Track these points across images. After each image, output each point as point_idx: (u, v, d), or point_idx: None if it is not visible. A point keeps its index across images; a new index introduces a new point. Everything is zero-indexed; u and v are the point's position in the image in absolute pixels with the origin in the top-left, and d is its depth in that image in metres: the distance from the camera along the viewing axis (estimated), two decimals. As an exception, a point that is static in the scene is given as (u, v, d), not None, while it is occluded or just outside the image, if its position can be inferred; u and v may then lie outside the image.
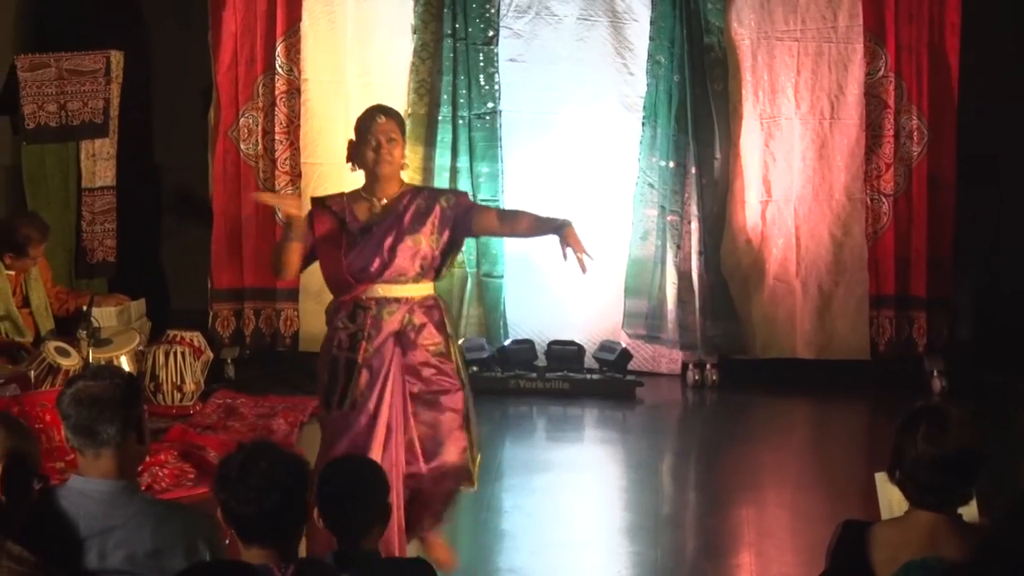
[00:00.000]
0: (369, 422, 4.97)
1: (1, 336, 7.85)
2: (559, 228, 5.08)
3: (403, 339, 5.05)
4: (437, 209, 5.13)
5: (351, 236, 5.07)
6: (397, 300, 5.07)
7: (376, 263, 5.03)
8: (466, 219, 5.16)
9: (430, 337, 5.09)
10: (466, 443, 5.15)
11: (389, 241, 5.05)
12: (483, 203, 5.29)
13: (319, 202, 5.22)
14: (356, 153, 5.15)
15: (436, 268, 5.18)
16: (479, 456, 5.31)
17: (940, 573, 3.15)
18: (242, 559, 3.22)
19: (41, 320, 8.09)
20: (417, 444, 5.05)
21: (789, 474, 7.43)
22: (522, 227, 5.36)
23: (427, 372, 5.07)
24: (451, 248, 5.19)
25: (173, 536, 3.43)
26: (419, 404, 5.07)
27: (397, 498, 4.87)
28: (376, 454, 4.87)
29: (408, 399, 5.04)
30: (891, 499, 3.83)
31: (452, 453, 5.12)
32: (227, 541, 3.29)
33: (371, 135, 5.09)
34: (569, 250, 5.05)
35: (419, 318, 5.08)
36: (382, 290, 5.06)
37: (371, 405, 4.98)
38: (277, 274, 5.32)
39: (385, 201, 5.11)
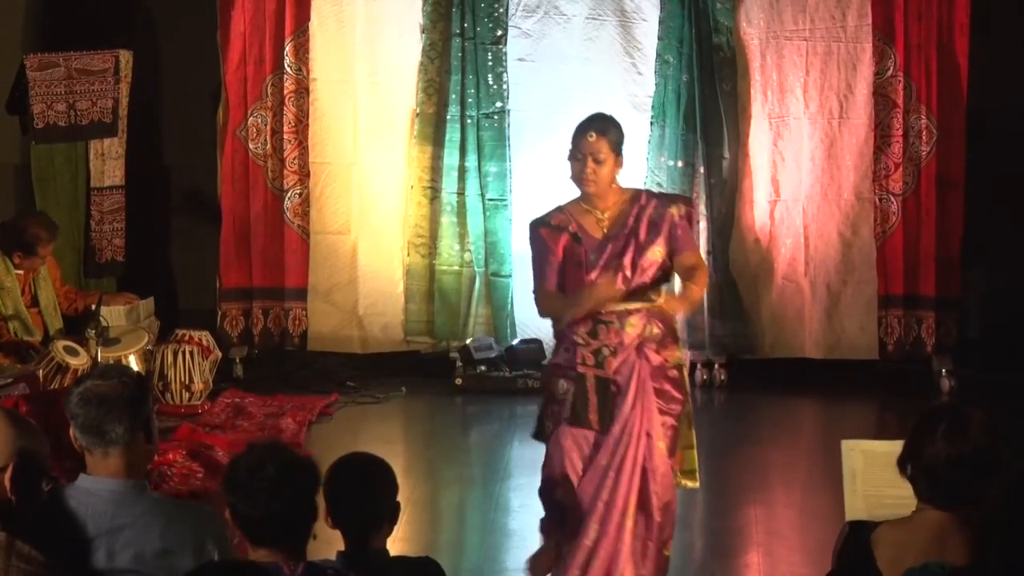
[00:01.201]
0: (622, 438, 4.91)
1: (10, 335, 7.86)
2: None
3: (642, 351, 4.96)
4: (669, 217, 5.01)
5: (588, 252, 4.98)
6: (637, 311, 4.96)
7: (619, 280, 4.94)
8: (682, 242, 5.05)
9: (668, 348, 5.01)
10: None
11: (629, 257, 4.95)
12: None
13: (541, 224, 5.08)
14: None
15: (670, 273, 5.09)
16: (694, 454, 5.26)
17: None
18: (251, 559, 3.23)
19: (50, 319, 8.10)
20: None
21: (797, 474, 7.43)
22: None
23: (665, 384, 5.00)
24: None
25: (182, 535, 3.43)
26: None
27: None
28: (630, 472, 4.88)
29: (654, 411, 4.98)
30: (854, 467, 3.91)
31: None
32: (236, 541, 3.29)
33: (580, 151, 5.00)
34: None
35: (657, 328, 4.99)
36: (622, 304, 4.96)
37: (623, 420, 4.92)
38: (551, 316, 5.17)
39: (609, 213, 5.02)
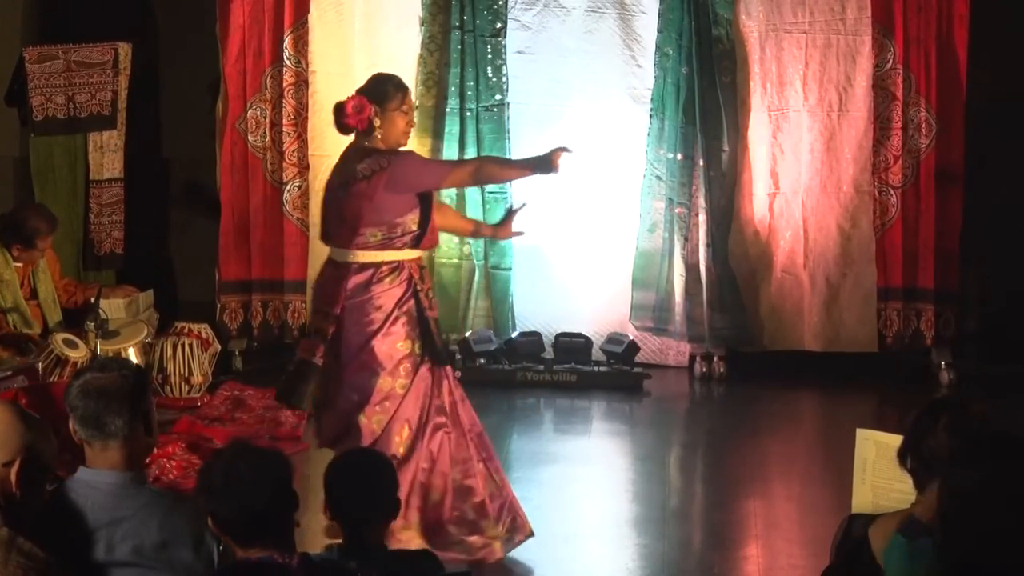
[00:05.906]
0: None
1: (9, 328, 7.85)
2: None
3: None
4: None
5: None
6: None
7: None
8: None
9: None
10: None
11: None
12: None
13: None
14: None
15: None
16: None
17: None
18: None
19: (49, 312, 8.10)
20: None
21: (796, 467, 7.44)
22: None
23: None
24: None
25: (180, 528, 3.43)
26: None
27: None
28: None
29: None
30: (866, 457, 3.93)
31: None
32: (220, 548, 3.27)
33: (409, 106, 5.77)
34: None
35: None
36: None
37: None
38: None
39: None
